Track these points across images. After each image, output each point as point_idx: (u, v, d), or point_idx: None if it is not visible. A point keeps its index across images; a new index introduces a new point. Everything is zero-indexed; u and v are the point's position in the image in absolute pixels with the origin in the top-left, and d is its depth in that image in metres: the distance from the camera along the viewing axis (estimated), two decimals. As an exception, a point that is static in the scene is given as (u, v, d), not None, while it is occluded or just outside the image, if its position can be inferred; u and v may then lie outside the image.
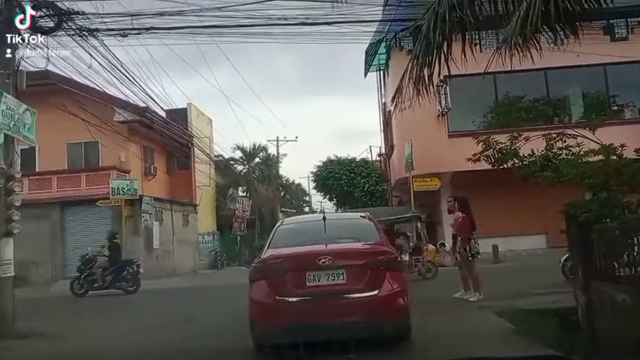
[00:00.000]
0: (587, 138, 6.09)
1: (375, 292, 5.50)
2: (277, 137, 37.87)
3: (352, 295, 5.49)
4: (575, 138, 6.20)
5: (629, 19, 17.92)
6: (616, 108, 18.56)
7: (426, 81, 5.23)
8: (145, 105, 18.41)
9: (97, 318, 10.26)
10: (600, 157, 5.74)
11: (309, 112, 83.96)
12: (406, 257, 12.98)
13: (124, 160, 22.04)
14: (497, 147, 6.54)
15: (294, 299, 5.53)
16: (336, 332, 5.12)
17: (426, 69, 5.13)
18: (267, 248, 6.20)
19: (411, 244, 13.84)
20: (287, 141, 38.35)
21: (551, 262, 12.35)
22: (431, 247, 16.61)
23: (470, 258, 9.52)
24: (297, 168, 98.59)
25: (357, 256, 5.90)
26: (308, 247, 5.98)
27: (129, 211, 20.24)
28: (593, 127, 6.09)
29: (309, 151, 79.11)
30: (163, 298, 14.07)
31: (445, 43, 5.00)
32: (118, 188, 19.61)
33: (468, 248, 9.51)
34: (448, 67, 5.23)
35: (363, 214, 7.82)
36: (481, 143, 6.63)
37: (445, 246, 16.09)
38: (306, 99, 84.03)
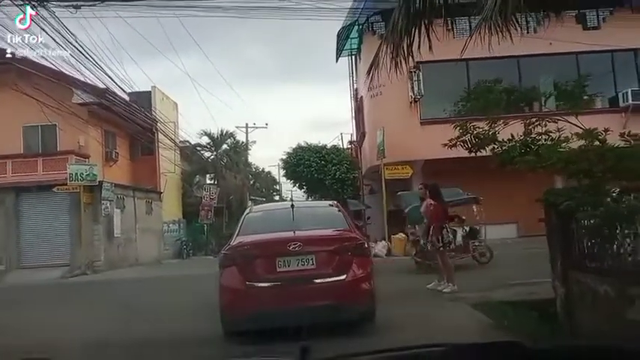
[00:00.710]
0: (569, 122, 5.84)
1: (343, 276, 5.71)
2: (247, 124, 37.03)
3: (321, 280, 5.69)
4: (557, 122, 5.95)
5: (600, 9, 17.94)
6: (587, 97, 18.64)
7: (405, 51, 4.83)
8: (105, 86, 17.52)
9: (50, 309, 9.59)
10: (581, 142, 5.50)
11: (280, 99, 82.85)
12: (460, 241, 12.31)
13: (83, 145, 21.06)
14: (475, 132, 6.28)
15: (264, 284, 5.66)
16: (305, 316, 5.20)
17: (405, 38, 4.72)
18: (237, 235, 6.27)
19: (466, 228, 12.96)
20: (256, 127, 37.53)
21: (523, 252, 12.25)
22: (402, 235, 16.43)
23: (441, 247, 9.25)
24: (268, 155, 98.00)
25: (325, 242, 6.08)
26: (278, 234, 6.10)
27: (88, 198, 19.34)
28: (576, 114, 5.85)
29: (280, 139, 78.40)
30: (124, 288, 13.42)
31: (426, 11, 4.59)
32: (76, 174, 18.67)
33: (440, 237, 9.23)
34: (428, 37, 4.83)
35: (331, 202, 7.68)
36: (458, 128, 6.37)
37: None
38: (276, 86, 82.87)
